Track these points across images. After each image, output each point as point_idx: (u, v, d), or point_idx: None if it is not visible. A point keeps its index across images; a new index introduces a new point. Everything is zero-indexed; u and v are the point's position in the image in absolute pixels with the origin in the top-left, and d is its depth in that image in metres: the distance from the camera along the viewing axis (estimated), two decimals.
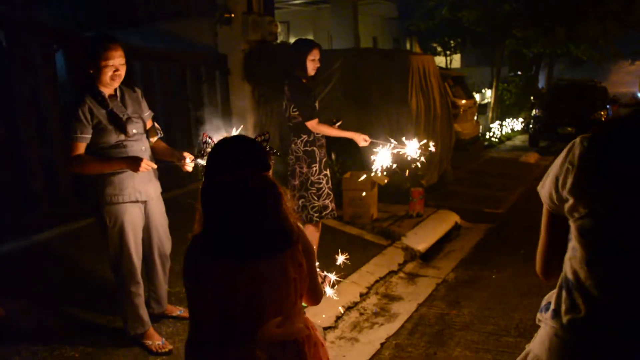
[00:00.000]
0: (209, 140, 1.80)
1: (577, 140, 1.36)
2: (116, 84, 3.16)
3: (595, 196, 1.29)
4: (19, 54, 5.04)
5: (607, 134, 1.32)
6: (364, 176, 4.49)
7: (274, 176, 1.80)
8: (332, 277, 2.40)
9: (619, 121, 1.33)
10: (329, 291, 2.42)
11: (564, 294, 1.38)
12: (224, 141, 1.78)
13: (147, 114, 3.42)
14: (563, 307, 1.37)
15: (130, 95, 3.32)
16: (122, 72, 3.13)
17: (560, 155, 1.39)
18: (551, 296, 1.45)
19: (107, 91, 3.16)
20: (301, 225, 1.84)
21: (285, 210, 1.75)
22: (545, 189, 1.42)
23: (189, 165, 3.20)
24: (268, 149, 1.83)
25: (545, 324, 1.42)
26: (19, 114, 5.08)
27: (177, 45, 7.78)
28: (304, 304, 1.91)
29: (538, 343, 1.45)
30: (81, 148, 3.07)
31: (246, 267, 1.67)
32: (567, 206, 1.35)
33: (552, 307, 1.41)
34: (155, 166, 3.20)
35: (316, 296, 1.93)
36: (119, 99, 3.23)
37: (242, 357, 1.66)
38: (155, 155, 3.41)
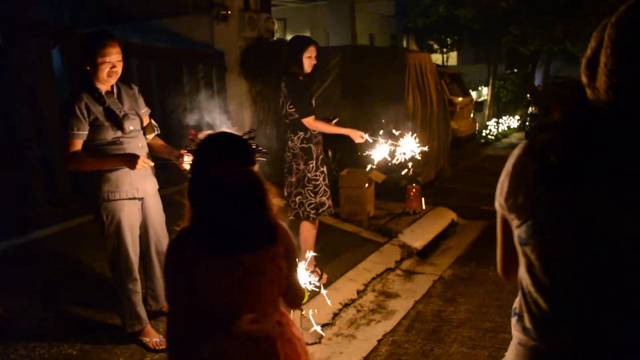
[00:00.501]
0: (196, 138, 1.82)
1: (520, 144, 1.31)
2: (113, 80, 3.16)
3: (525, 206, 1.24)
4: (15, 51, 5.03)
5: (539, 140, 1.24)
6: (369, 167, 4.44)
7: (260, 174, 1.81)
8: (310, 285, 2.38)
9: (550, 126, 1.24)
10: (322, 291, 2.42)
11: (520, 298, 1.34)
12: (209, 137, 1.80)
13: (144, 110, 3.42)
14: (523, 313, 1.32)
15: (127, 92, 3.32)
16: (119, 68, 3.13)
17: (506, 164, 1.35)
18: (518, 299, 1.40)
19: (103, 88, 3.16)
20: (286, 226, 1.85)
21: (269, 208, 1.76)
22: (496, 193, 1.38)
23: (186, 163, 3.20)
24: (253, 146, 1.85)
25: (516, 331, 1.37)
26: (17, 111, 5.07)
27: (174, 43, 7.77)
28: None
29: (509, 352, 1.40)
30: (78, 145, 3.07)
31: (227, 261, 1.70)
32: (506, 214, 1.32)
33: (516, 311, 1.37)
34: (152, 164, 3.20)
35: (295, 299, 1.96)
36: (115, 95, 3.22)
37: (216, 352, 1.68)
38: (153, 152, 3.41)
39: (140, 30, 7.89)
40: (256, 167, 1.80)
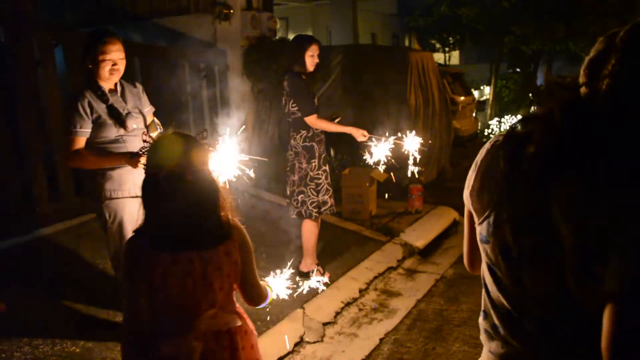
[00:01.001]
0: (149, 139, 1.84)
1: (490, 139, 1.31)
2: (115, 78, 3.17)
3: (486, 203, 1.24)
4: (18, 49, 5.04)
5: (506, 137, 1.24)
6: (375, 168, 4.43)
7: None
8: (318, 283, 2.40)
9: (531, 119, 1.22)
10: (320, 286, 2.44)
11: (485, 296, 1.34)
12: (160, 137, 1.84)
13: (148, 109, 3.42)
14: (489, 310, 1.32)
15: (131, 90, 3.33)
16: (121, 66, 3.14)
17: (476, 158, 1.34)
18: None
19: (107, 86, 3.17)
20: (240, 224, 1.88)
21: (221, 206, 1.81)
22: (465, 191, 1.37)
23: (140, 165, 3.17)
24: (208, 146, 1.88)
25: (481, 328, 1.37)
26: (19, 109, 5.08)
27: (176, 42, 7.78)
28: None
29: (484, 353, 1.39)
30: (80, 142, 3.07)
31: (183, 259, 1.72)
32: (471, 208, 1.32)
33: (483, 308, 1.36)
34: None
35: (254, 296, 1.99)
36: (119, 93, 3.23)
37: (178, 348, 1.70)
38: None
39: (142, 29, 7.91)
40: (209, 166, 1.83)
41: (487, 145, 1.31)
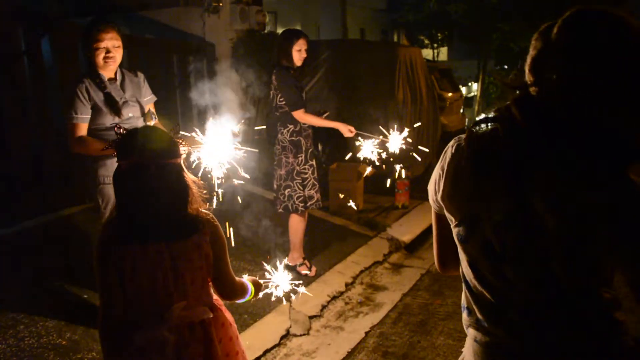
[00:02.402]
0: (122, 131, 1.86)
1: (451, 142, 1.32)
2: (111, 66, 3.20)
3: (462, 205, 1.27)
4: (4, 40, 4.99)
5: (469, 138, 1.26)
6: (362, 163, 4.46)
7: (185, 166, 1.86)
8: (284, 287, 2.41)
9: (481, 122, 1.26)
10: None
11: (467, 293, 1.36)
12: (130, 130, 1.84)
13: (148, 98, 3.48)
14: (472, 307, 1.34)
15: (131, 80, 3.38)
16: (116, 54, 3.18)
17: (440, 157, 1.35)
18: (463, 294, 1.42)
19: (106, 74, 3.23)
20: (213, 218, 1.89)
21: (191, 199, 1.81)
22: (429, 191, 1.40)
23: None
24: (179, 140, 1.88)
25: (468, 326, 1.38)
26: (4, 100, 5.04)
27: (165, 34, 7.74)
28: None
29: (466, 347, 1.41)
30: (82, 128, 3.13)
31: (148, 251, 1.74)
32: (445, 211, 1.34)
33: (465, 305, 1.38)
34: None
35: (228, 291, 1.99)
36: (118, 82, 3.28)
37: (150, 340, 1.71)
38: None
39: (130, 22, 7.85)
40: (180, 160, 1.83)
41: (449, 150, 1.31)
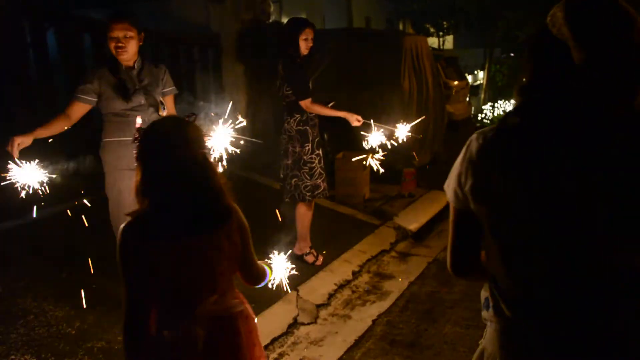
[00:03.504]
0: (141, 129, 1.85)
1: (473, 136, 1.30)
2: (123, 56, 3.25)
3: (493, 194, 1.24)
4: (9, 33, 5.00)
5: (500, 128, 1.26)
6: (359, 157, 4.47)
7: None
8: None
9: (510, 114, 1.25)
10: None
11: (494, 289, 1.34)
12: (155, 122, 1.80)
13: (169, 89, 3.55)
14: (500, 303, 1.32)
15: (151, 70, 3.44)
16: (127, 45, 3.22)
17: (461, 151, 1.34)
18: (486, 291, 1.40)
19: (124, 63, 3.29)
20: (235, 205, 1.86)
21: (219, 188, 1.79)
22: (450, 187, 1.37)
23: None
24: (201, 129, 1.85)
25: (491, 321, 1.36)
26: (10, 93, 5.06)
27: (169, 25, 7.72)
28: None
29: (489, 340, 1.38)
30: (76, 106, 3.22)
31: (181, 245, 1.70)
32: (471, 204, 1.30)
33: (490, 303, 1.35)
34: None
35: (253, 276, 2.00)
36: (136, 70, 3.34)
37: (181, 335, 1.69)
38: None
39: (133, 11, 7.83)
40: (207, 150, 1.82)
41: (475, 143, 1.29)
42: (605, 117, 1.13)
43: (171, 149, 1.70)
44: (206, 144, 1.83)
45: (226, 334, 1.78)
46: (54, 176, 2.80)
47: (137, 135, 1.74)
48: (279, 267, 2.31)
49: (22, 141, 2.87)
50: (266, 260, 2.21)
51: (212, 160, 1.84)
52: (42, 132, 3.06)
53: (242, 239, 1.85)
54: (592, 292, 1.19)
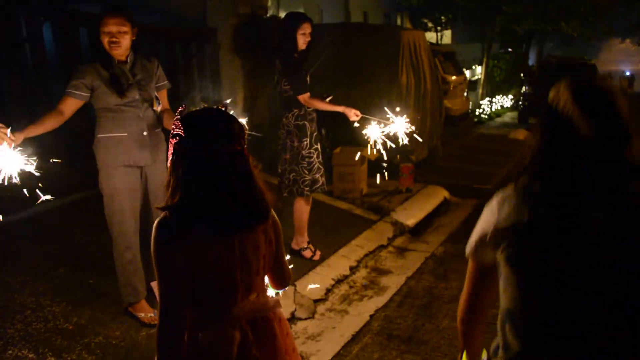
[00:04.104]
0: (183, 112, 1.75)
1: (498, 199, 1.42)
2: (116, 51, 3.21)
3: (521, 253, 1.34)
4: (5, 27, 4.97)
5: (525, 194, 1.38)
6: (358, 154, 4.47)
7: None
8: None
9: (530, 180, 1.39)
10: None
11: (506, 327, 1.40)
12: (194, 116, 1.71)
13: (162, 84, 3.52)
14: (509, 345, 1.38)
15: (144, 65, 3.40)
16: (121, 40, 3.18)
17: (485, 212, 1.46)
18: (496, 339, 1.46)
19: (117, 57, 3.25)
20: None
21: (260, 184, 1.73)
22: (472, 246, 1.50)
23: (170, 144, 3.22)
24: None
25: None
26: (6, 88, 5.03)
27: (165, 19, 7.68)
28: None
29: None
30: (67, 101, 3.17)
31: (219, 241, 1.63)
32: (498, 261, 1.41)
33: (500, 344, 1.42)
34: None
35: (282, 277, 1.91)
36: (129, 65, 3.30)
37: (217, 337, 1.62)
38: (165, 124, 3.46)
39: (130, 6, 7.79)
40: (245, 145, 1.74)
41: (499, 206, 1.41)
42: (613, 175, 1.30)
43: (215, 143, 1.63)
44: (244, 136, 1.75)
45: (264, 337, 1.71)
46: (33, 165, 2.73)
47: (175, 127, 1.67)
48: None
49: (12, 138, 2.76)
50: None
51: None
52: (35, 130, 2.99)
53: (277, 237, 1.80)
54: (609, 335, 1.27)
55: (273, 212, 1.80)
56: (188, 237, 1.61)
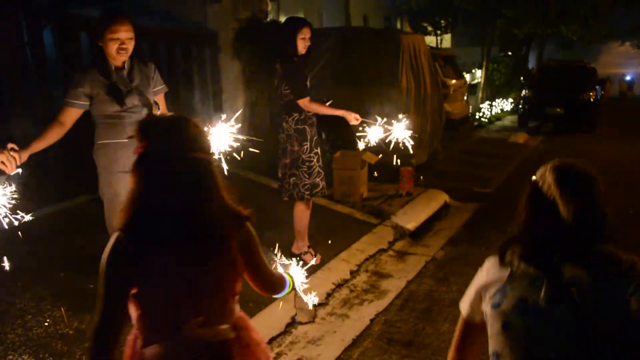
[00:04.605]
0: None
1: (489, 263, 1.62)
2: (123, 57, 3.21)
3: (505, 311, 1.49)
4: (6, 31, 4.98)
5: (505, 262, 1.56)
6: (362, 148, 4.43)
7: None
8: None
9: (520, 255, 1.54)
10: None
11: None
12: (154, 123, 1.66)
13: (159, 88, 3.50)
14: None
15: (141, 69, 3.37)
16: (129, 46, 3.18)
17: (477, 274, 1.66)
18: None
19: (115, 63, 3.23)
20: (244, 212, 1.74)
21: (220, 199, 1.66)
22: (466, 303, 1.69)
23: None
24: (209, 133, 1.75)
25: None
26: (7, 91, 5.04)
27: (166, 23, 7.70)
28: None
29: None
30: (69, 112, 3.14)
31: (168, 257, 1.57)
32: (485, 305, 1.58)
33: None
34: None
35: (268, 286, 1.89)
36: (126, 71, 3.28)
37: (163, 354, 1.57)
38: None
39: (131, 10, 7.81)
40: (209, 155, 1.69)
41: (486, 267, 1.64)
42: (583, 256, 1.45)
43: (175, 151, 1.58)
44: (210, 145, 1.71)
45: None
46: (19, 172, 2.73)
47: (133, 134, 1.61)
48: (295, 277, 2.17)
49: (18, 157, 2.78)
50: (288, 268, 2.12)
51: (215, 162, 1.70)
52: (38, 145, 3.00)
53: (250, 250, 1.74)
54: None
55: (246, 231, 1.73)
56: (140, 251, 1.56)
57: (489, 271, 1.60)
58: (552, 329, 1.40)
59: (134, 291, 1.58)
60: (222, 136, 2.65)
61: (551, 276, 1.43)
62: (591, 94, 13.51)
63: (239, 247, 1.70)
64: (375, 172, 6.57)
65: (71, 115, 3.16)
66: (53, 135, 3.10)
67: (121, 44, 3.13)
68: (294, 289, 2.07)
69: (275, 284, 1.92)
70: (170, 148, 1.59)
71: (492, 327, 1.53)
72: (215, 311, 1.66)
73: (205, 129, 1.81)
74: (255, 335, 1.81)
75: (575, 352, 1.38)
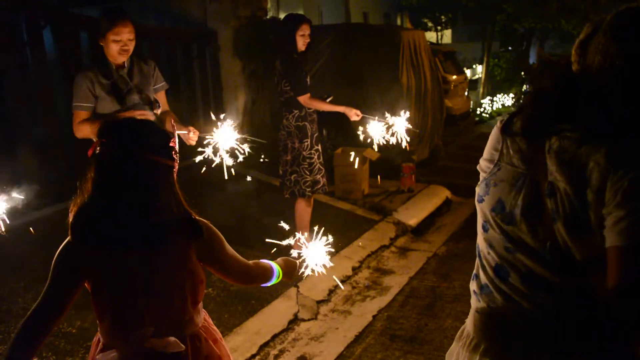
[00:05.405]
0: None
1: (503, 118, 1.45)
2: (124, 58, 3.22)
3: (487, 167, 1.47)
4: (6, 31, 4.99)
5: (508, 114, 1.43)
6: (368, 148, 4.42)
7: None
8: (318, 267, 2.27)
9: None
10: (318, 268, 2.30)
11: (477, 259, 1.49)
12: (116, 124, 1.64)
13: (159, 86, 3.50)
14: (479, 272, 1.46)
15: (141, 68, 3.38)
16: (130, 47, 3.19)
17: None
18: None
19: (115, 62, 3.23)
20: (201, 222, 1.69)
21: (176, 204, 1.63)
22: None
23: (192, 139, 3.20)
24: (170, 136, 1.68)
25: (471, 289, 1.50)
26: (7, 91, 5.05)
27: (166, 21, 7.71)
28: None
29: (468, 317, 1.53)
30: (82, 115, 3.16)
31: (121, 260, 1.55)
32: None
33: (475, 272, 1.50)
34: None
35: (241, 278, 1.86)
36: (126, 69, 3.28)
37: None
38: (165, 126, 3.45)
39: (130, 8, 7.81)
40: (172, 163, 1.65)
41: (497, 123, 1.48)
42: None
43: (129, 151, 1.55)
44: (173, 151, 1.66)
45: None
46: None
47: (97, 134, 1.59)
48: (314, 252, 2.17)
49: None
50: (282, 258, 2.07)
51: (175, 168, 1.67)
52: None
53: (213, 254, 1.71)
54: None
55: (208, 233, 1.68)
56: (89, 252, 1.55)
57: (492, 139, 1.47)
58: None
59: (78, 289, 1.58)
60: (224, 135, 2.65)
61: (534, 174, 1.28)
62: None
63: (198, 255, 1.66)
64: (379, 177, 6.59)
65: (84, 118, 3.17)
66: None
67: (123, 45, 3.14)
68: (285, 276, 2.02)
69: (254, 275, 1.88)
70: (125, 148, 1.55)
71: (478, 219, 1.48)
72: (170, 321, 1.61)
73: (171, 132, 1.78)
74: (218, 348, 1.74)
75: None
